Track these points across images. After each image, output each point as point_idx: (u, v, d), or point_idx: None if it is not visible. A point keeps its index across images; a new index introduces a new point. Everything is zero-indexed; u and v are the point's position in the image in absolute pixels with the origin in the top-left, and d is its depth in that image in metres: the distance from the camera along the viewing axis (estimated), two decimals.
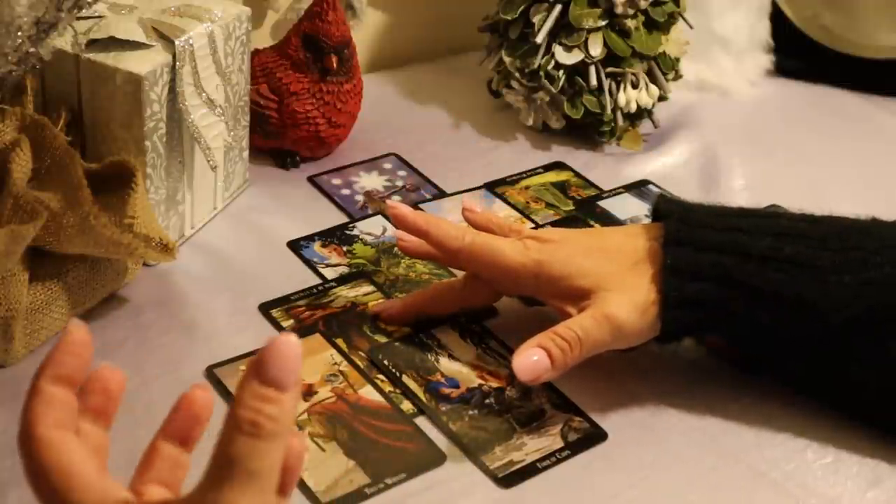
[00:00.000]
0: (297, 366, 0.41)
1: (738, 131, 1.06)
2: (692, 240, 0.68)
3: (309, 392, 0.69)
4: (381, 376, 0.71)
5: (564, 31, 0.97)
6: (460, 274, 0.77)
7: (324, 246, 0.84)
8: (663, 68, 1.01)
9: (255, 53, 0.92)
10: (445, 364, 0.72)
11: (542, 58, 0.97)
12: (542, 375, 0.67)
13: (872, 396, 0.68)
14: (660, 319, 0.68)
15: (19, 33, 0.65)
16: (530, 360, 0.66)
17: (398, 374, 0.71)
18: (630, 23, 0.97)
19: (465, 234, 0.72)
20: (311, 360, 0.71)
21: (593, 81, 0.97)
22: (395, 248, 0.83)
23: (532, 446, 0.67)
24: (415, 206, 0.88)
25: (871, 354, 0.66)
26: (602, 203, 0.93)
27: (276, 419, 0.41)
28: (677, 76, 1.04)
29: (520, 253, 0.71)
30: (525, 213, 0.90)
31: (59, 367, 0.44)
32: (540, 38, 0.96)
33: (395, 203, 0.78)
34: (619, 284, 0.68)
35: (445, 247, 0.73)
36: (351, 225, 0.87)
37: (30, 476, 0.43)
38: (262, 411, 0.41)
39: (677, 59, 1.02)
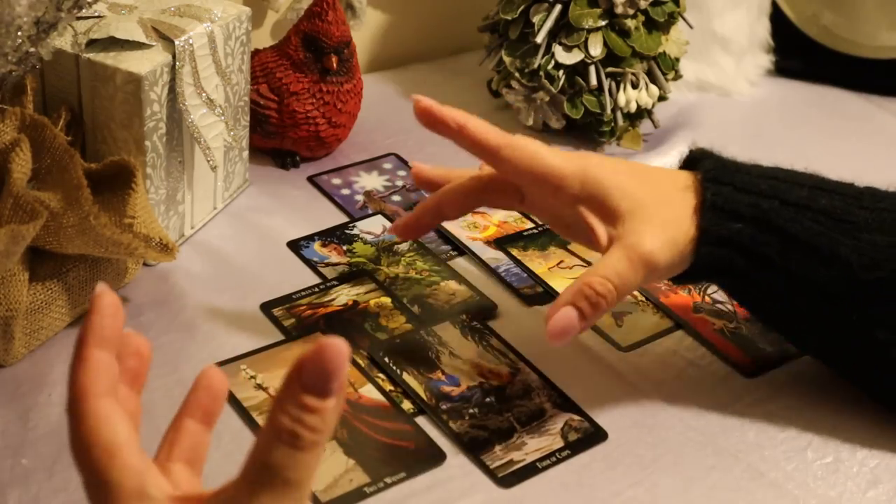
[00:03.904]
0: (342, 372, 0.39)
1: (738, 131, 1.06)
2: (732, 181, 0.67)
3: None
4: (381, 375, 0.71)
5: (564, 30, 0.97)
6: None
7: (324, 245, 0.84)
8: (663, 68, 1.01)
9: (255, 53, 0.92)
10: (446, 361, 0.72)
11: (542, 58, 0.97)
12: (573, 334, 0.64)
13: (893, 361, 0.67)
14: (693, 255, 0.66)
15: (19, 33, 0.65)
16: (559, 326, 0.64)
17: (399, 371, 0.71)
18: (630, 23, 0.97)
19: (504, 133, 0.69)
20: None
21: (593, 81, 0.97)
22: (395, 247, 0.83)
23: (532, 446, 0.67)
24: (415, 206, 0.88)
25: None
26: None
27: (317, 429, 0.39)
28: (677, 76, 1.04)
29: (564, 158, 0.68)
30: (525, 213, 0.90)
31: (100, 331, 0.42)
32: (540, 38, 0.96)
33: (421, 97, 0.70)
34: (655, 216, 0.66)
35: (486, 142, 0.68)
36: (351, 224, 0.87)
37: (74, 446, 0.42)
38: (302, 421, 0.39)
39: (677, 59, 1.02)
